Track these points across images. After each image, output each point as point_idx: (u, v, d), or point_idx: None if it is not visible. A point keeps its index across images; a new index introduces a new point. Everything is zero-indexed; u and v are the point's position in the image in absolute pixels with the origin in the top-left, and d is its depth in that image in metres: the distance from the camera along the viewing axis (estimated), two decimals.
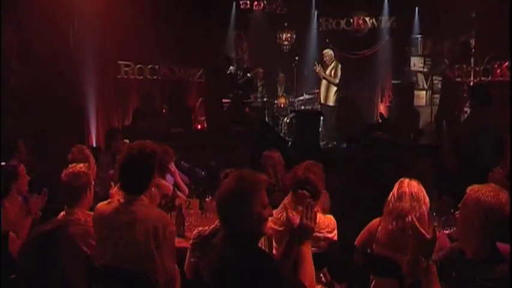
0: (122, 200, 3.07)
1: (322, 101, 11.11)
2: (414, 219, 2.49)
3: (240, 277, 2.30)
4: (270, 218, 3.54)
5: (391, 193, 3.40)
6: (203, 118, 10.78)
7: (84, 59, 8.55)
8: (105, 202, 3.21)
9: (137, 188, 3.08)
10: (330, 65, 10.95)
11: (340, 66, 10.71)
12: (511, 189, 2.87)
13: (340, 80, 10.78)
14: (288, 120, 10.71)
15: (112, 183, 3.90)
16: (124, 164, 3.08)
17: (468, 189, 2.53)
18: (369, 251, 3.58)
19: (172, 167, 4.86)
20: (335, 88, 10.84)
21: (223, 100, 10.81)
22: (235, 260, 2.34)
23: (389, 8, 11.91)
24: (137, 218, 2.95)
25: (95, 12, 8.30)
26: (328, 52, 10.95)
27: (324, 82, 11.07)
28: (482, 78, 8.74)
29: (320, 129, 10.35)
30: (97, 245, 3.07)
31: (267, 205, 2.49)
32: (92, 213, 3.24)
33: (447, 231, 3.79)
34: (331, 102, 10.91)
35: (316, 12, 12.62)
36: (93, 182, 3.70)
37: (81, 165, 3.66)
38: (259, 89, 11.58)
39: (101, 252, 3.02)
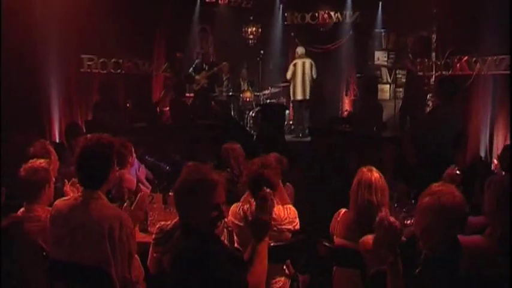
0: (79, 196, 3.02)
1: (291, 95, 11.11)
2: (388, 212, 2.48)
3: (187, 271, 2.35)
4: (230, 211, 3.57)
5: (356, 183, 3.44)
6: (167, 109, 10.66)
7: (45, 53, 8.34)
8: (63, 198, 3.15)
9: (95, 182, 3.03)
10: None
11: (299, 64, 10.69)
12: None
13: (291, 78, 10.77)
14: (253, 114, 10.71)
15: (66, 180, 3.82)
16: (81, 156, 3.03)
17: (424, 193, 2.50)
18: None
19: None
20: (300, 83, 10.82)
21: (187, 94, 10.73)
22: (186, 254, 2.38)
23: (354, 3, 12.05)
24: (93, 219, 2.89)
25: (57, 4, 8.10)
26: (298, 50, 10.97)
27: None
28: (444, 73, 8.93)
29: (285, 123, 10.34)
30: (52, 243, 2.98)
31: (219, 205, 2.50)
32: None
33: (408, 222, 3.87)
34: (299, 96, 10.90)
35: (281, 6, 12.66)
36: (53, 178, 3.63)
37: (41, 160, 3.60)
38: (225, 83, 11.56)
39: (55, 251, 2.95)
